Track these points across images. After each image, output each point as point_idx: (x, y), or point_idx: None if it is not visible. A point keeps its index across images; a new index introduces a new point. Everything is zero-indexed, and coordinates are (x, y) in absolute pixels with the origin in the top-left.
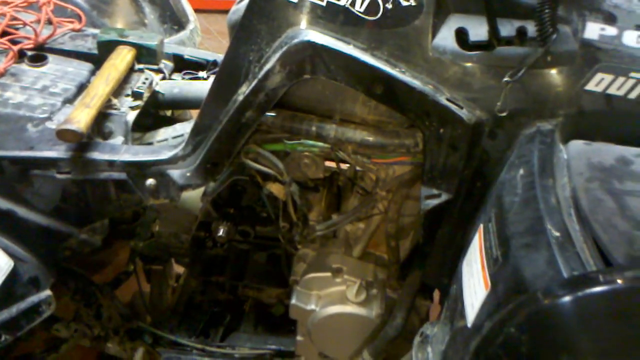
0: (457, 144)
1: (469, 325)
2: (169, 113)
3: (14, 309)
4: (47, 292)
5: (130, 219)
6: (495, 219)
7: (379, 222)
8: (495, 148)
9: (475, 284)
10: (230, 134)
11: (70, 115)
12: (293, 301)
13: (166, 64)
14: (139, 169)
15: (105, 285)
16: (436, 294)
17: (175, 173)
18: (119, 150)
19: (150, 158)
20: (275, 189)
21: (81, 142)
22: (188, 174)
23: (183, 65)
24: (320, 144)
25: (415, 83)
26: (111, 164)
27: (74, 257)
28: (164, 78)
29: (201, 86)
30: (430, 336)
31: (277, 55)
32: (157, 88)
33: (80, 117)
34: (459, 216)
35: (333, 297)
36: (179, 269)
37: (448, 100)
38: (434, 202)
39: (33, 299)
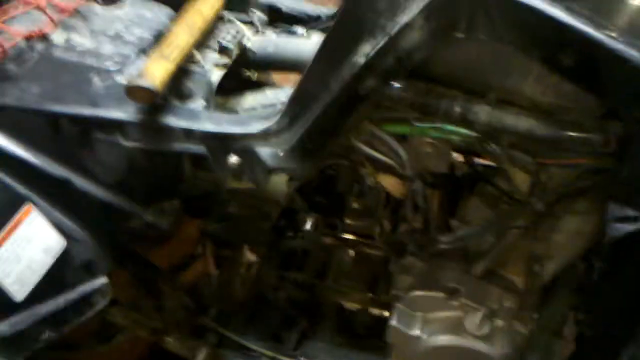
0: None
1: None
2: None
3: (62, 300)
4: (103, 280)
5: (202, 196)
6: None
7: (517, 238)
8: None
9: None
10: (341, 107)
11: (145, 68)
12: (393, 322)
13: (259, 16)
14: (222, 143)
15: (168, 271)
16: None
17: (264, 151)
18: (199, 117)
19: (237, 130)
20: (389, 183)
21: (154, 104)
22: (281, 154)
23: (278, 18)
24: (464, 130)
25: (632, 53)
26: (189, 133)
27: (136, 241)
28: (256, 32)
29: (301, 45)
30: None
31: (420, 3)
32: (247, 44)
33: (156, 72)
34: None
35: (446, 325)
36: (250, 256)
37: None
38: (629, 227)
39: (85, 287)
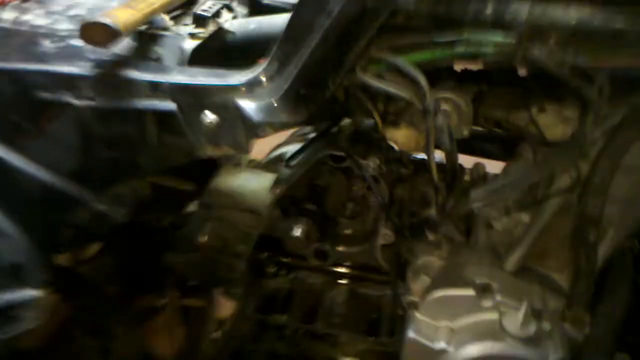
0: None
1: None
2: None
3: None
4: (35, 293)
5: (168, 226)
6: None
7: (556, 215)
8: None
9: None
10: (343, 32)
11: (106, 12)
12: (411, 334)
13: (239, 10)
14: (195, 97)
15: (122, 308)
16: None
17: (248, 105)
18: (167, 70)
19: (214, 82)
20: (402, 136)
21: (115, 59)
22: (269, 106)
23: (259, 11)
24: (499, 38)
25: None
26: (154, 86)
27: (82, 240)
28: (234, 17)
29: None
30: None
31: None
32: (226, 25)
33: (119, 15)
34: None
35: (478, 330)
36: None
37: None
38: None
39: (10, 296)
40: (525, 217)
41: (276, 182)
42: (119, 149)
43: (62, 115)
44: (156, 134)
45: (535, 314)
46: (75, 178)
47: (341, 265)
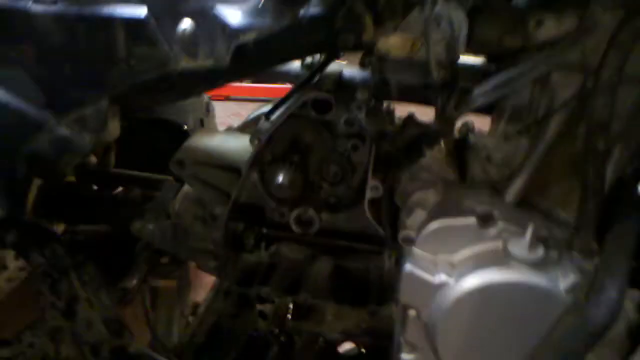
0: None
1: None
2: None
3: None
4: None
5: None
6: None
7: (558, 134)
8: None
9: None
10: None
11: None
12: (408, 268)
13: None
14: (169, 2)
15: (88, 263)
16: None
17: (228, 10)
18: None
19: None
20: (394, 42)
21: None
22: (251, 9)
23: None
24: None
25: None
26: None
27: (41, 170)
28: None
29: None
30: None
31: None
32: None
33: None
34: None
35: (482, 259)
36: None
37: None
38: None
39: None
40: (525, 143)
41: (255, 134)
42: (83, 63)
43: (16, 24)
44: (125, 44)
45: (541, 240)
46: (33, 98)
47: (326, 235)
